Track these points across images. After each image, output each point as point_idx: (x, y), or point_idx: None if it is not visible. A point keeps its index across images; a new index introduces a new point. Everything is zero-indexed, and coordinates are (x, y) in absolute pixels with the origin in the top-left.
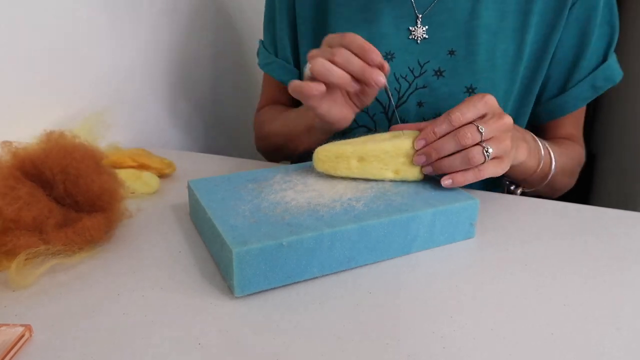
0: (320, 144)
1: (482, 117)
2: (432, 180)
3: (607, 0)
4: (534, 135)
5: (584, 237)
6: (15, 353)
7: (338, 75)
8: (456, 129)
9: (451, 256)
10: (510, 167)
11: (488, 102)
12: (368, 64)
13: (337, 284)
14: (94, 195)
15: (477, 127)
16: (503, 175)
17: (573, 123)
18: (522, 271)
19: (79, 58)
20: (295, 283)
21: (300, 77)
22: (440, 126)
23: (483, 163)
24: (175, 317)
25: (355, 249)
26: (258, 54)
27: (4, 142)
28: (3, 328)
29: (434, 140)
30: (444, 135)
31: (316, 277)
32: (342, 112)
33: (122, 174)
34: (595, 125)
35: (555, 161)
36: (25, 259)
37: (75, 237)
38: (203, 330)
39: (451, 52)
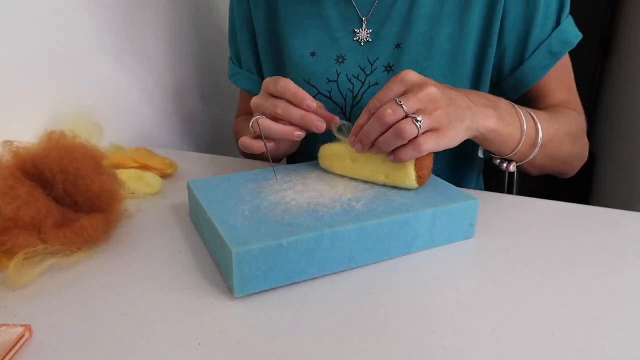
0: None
1: (404, 94)
2: (432, 180)
3: None
4: (510, 102)
5: (584, 237)
6: (15, 353)
7: (280, 132)
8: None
9: (451, 256)
10: (485, 138)
11: (404, 79)
12: (304, 109)
13: (337, 284)
14: (93, 195)
15: (396, 100)
16: (490, 154)
17: (560, 89)
18: (522, 271)
19: (80, 59)
20: (295, 283)
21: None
22: (361, 118)
23: (419, 136)
24: (175, 317)
25: (355, 249)
26: (228, 65)
27: (5, 142)
28: (3, 328)
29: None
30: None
31: (316, 277)
32: (289, 145)
33: (125, 174)
34: (595, 124)
35: (539, 124)
36: (24, 258)
37: (73, 237)
38: (203, 331)
39: (397, 46)
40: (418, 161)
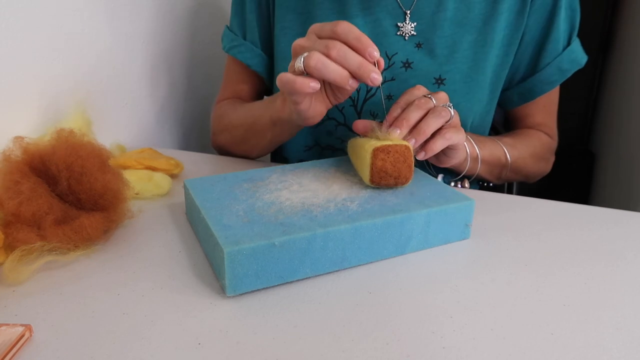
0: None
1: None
2: (427, 180)
3: None
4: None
5: (584, 237)
6: (15, 353)
7: (335, 72)
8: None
9: (449, 256)
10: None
11: (436, 95)
12: (365, 58)
13: (336, 284)
14: (97, 194)
15: (430, 97)
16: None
17: (543, 112)
18: (522, 271)
19: (80, 58)
20: (294, 283)
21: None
22: (394, 110)
23: (444, 126)
24: (175, 317)
25: (349, 249)
26: (222, 38)
27: (17, 137)
28: (3, 328)
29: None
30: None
31: (316, 277)
32: (319, 109)
33: (134, 175)
34: (595, 125)
35: (507, 152)
36: (21, 255)
37: (72, 235)
38: (203, 331)
39: (418, 45)
40: (376, 166)
